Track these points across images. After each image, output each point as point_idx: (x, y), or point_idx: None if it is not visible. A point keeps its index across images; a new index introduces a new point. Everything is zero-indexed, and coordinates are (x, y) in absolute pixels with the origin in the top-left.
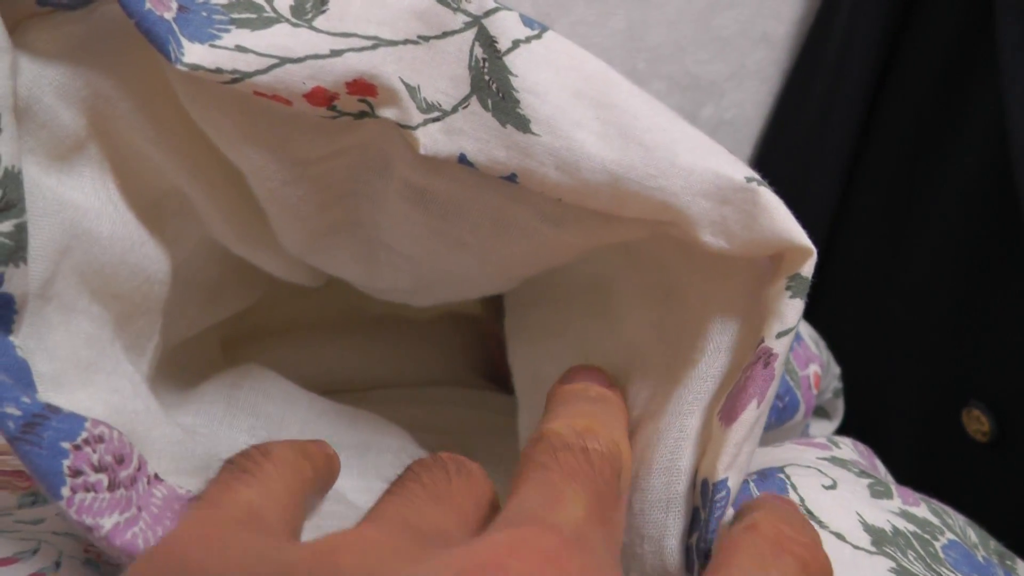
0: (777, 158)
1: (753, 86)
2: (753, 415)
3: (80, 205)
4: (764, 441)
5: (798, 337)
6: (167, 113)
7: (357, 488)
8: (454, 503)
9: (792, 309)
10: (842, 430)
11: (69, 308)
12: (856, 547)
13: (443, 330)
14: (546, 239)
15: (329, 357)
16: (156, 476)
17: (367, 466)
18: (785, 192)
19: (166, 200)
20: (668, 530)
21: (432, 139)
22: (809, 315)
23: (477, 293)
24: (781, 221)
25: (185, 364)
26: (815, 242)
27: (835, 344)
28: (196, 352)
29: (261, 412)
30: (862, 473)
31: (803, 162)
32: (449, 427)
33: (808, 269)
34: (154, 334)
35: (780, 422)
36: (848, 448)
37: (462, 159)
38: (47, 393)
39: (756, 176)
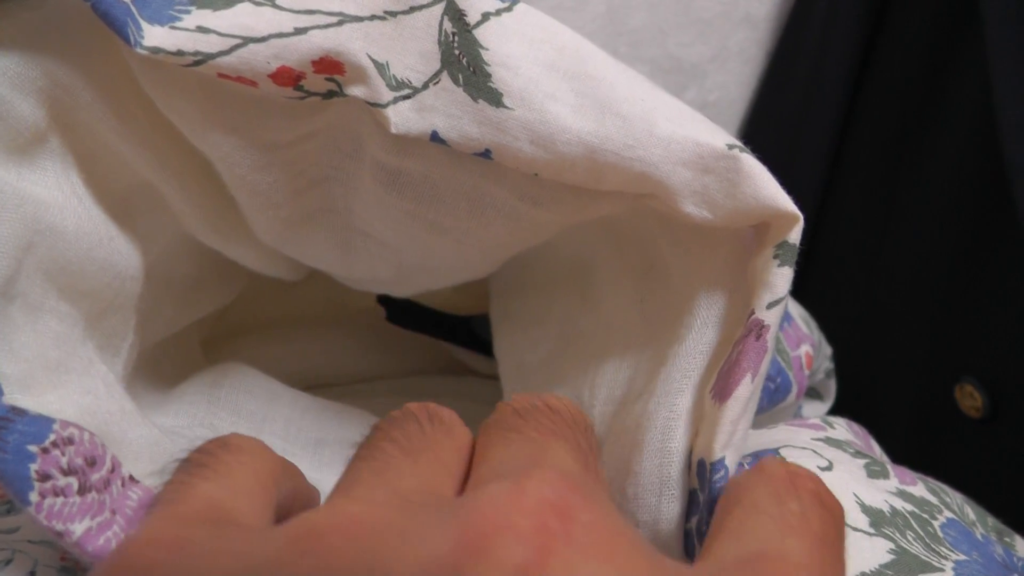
0: (762, 139)
1: (736, 67)
2: (748, 390)
3: (43, 200)
4: (756, 424)
5: (788, 317)
6: (131, 102)
7: None
8: (435, 456)
9: (781, 278)
10: (835, 410)
11: (35, 307)
12: (854, 529)
13: None
14: (524, 218)
15: (312, 352)
16: (131, 477)
17: None
18: (773, 172)
19: (136, 195)
20: (662, 514)
21: (403, 117)
22: (799, 295)
23: (457, 279)
24: (765, 188)
25: (164, 364)
26: (804, 219)
27: (826, 324)
28: (175, 352)
29: (243, 410)
30: (857, 453)
31: (789, 142)
32: None
33: (796, 235)
34: (128, 333)
35: (772, 404)
36: (843, 428)
37: (434, 137)
38: (14, 395)
39: (738, 143)
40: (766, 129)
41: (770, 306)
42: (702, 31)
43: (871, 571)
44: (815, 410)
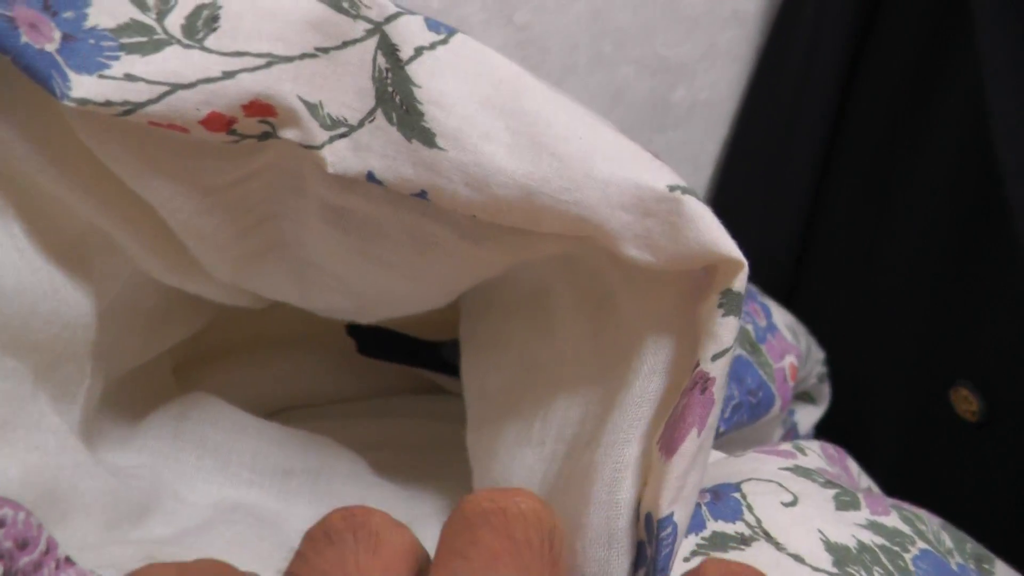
0: (754, 137)
1: (725, 65)
2: (694, 445)
3: None
4: (734, 442)
5: (773, 328)
6: (69, 149)
7: (307, 518)
8: None
9: (726, 328)
10: (829, 414)
11: None
12: (816, 569)
13: None
14: (468, 256)
15: (285, 374)
16: (67, 559)
17: (319, 493)
18: (764, 172)
19: (88, 237)
20: (612, 568)
21: (340, 157)
22: (790, 299)
23: (417, 309)
24: (707, 232)
25: (133, 395)
26: (795, 221)
27: (819, 327)
28: (145, 381)
29: (208, 442)
30: (828, 483)
31: (780, 140)
32: (405, 442)
33: (740, 284)
34: (84, 378)
35: (754, 418)
36: (815, 455)
37: (370, 177)
38: None
39: (680, 183)
40: (757, 127)
41: (715, 357)
42: (689, 29)
43: None
44: (809, 415)
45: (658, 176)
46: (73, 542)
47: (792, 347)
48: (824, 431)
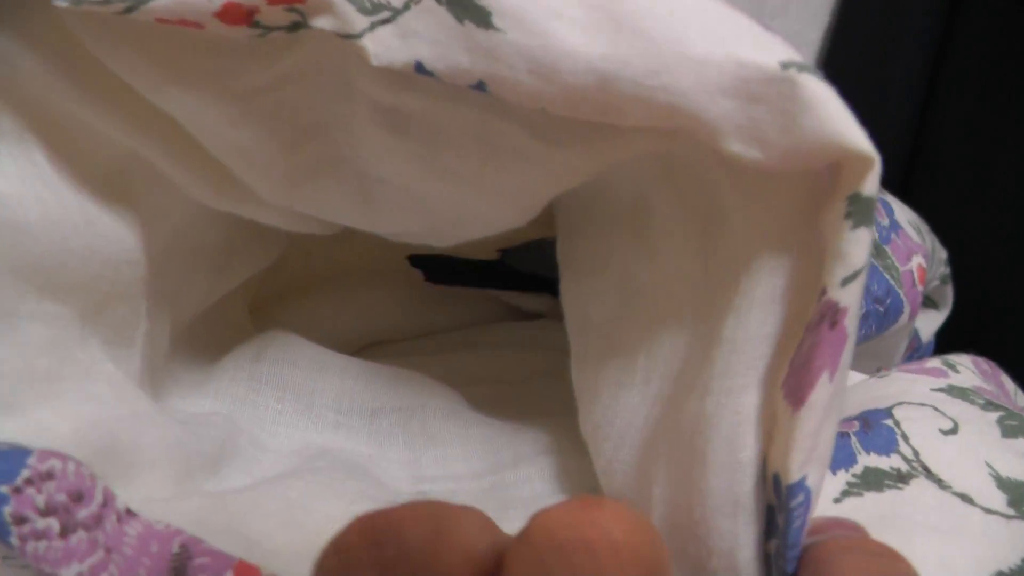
0: (860, 23)
1: None
2: (826, 392)
3: None
4: (865, 355)
5: (897, 226)
6: (85, 64)
7: (402, 461)
8: None
9: (856, 244)
10: (952, 317)
11: (10, 314)
12: (988, 511)
13: None
14: (543, 160)
15: (372, 307)
16: (128, 511)
17: (413, 433)
18: (872, 61)
19: (130, 169)
20: (739, 540)
21: (384, 46)
22: (907, 195)
23: (494, 229)
24: (830, 120)
25: (206, 338)
26: (908, 108)
27: (938, 224)
28: (218, 323)
29: (289, 384)
30: (988, 404)
31: (890, 22)
32: (503, 375)
33: (870, 186)
34: (139, 320)
35: (882, 329)
36: (968, 371)
37: (419, 68)
38: None
39: (796, 59)
40: (863, 9)
41: (845, 282)
42: None
43: (1011, 569)
44: (931, 320)
45: (767, 51)
46: (140, 496)
47: (918, 246)
48: (944, 337)
